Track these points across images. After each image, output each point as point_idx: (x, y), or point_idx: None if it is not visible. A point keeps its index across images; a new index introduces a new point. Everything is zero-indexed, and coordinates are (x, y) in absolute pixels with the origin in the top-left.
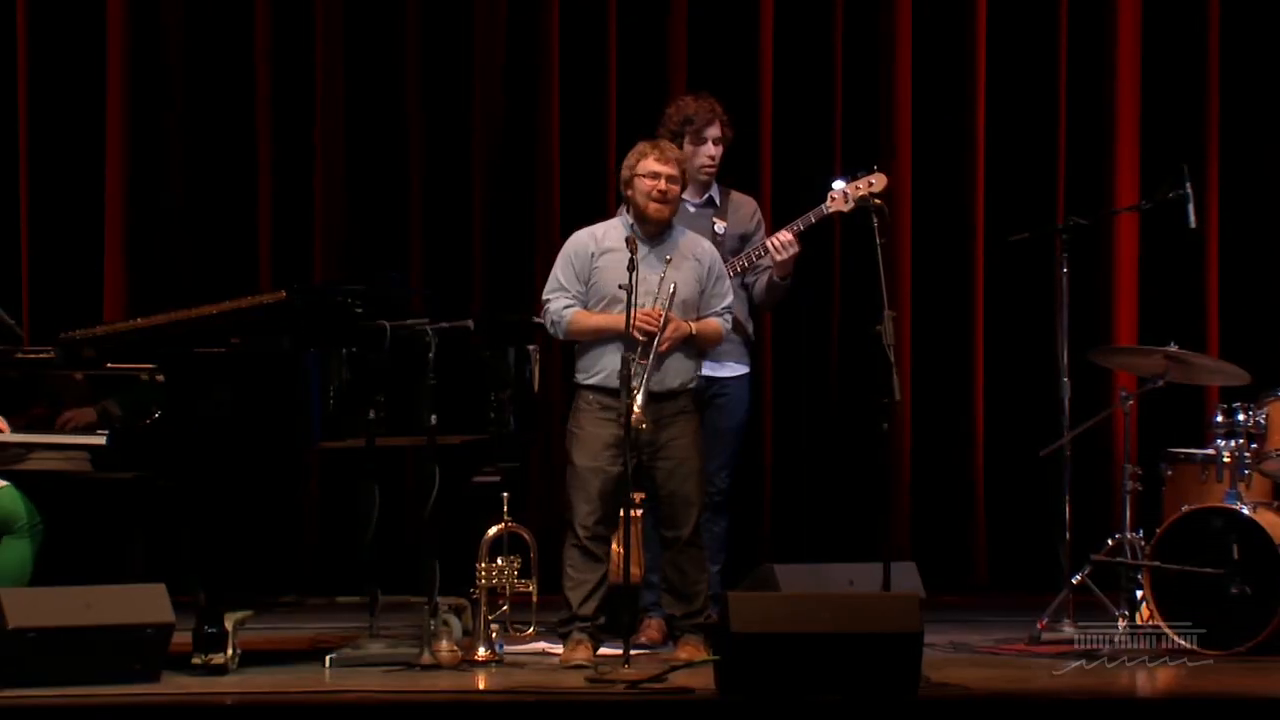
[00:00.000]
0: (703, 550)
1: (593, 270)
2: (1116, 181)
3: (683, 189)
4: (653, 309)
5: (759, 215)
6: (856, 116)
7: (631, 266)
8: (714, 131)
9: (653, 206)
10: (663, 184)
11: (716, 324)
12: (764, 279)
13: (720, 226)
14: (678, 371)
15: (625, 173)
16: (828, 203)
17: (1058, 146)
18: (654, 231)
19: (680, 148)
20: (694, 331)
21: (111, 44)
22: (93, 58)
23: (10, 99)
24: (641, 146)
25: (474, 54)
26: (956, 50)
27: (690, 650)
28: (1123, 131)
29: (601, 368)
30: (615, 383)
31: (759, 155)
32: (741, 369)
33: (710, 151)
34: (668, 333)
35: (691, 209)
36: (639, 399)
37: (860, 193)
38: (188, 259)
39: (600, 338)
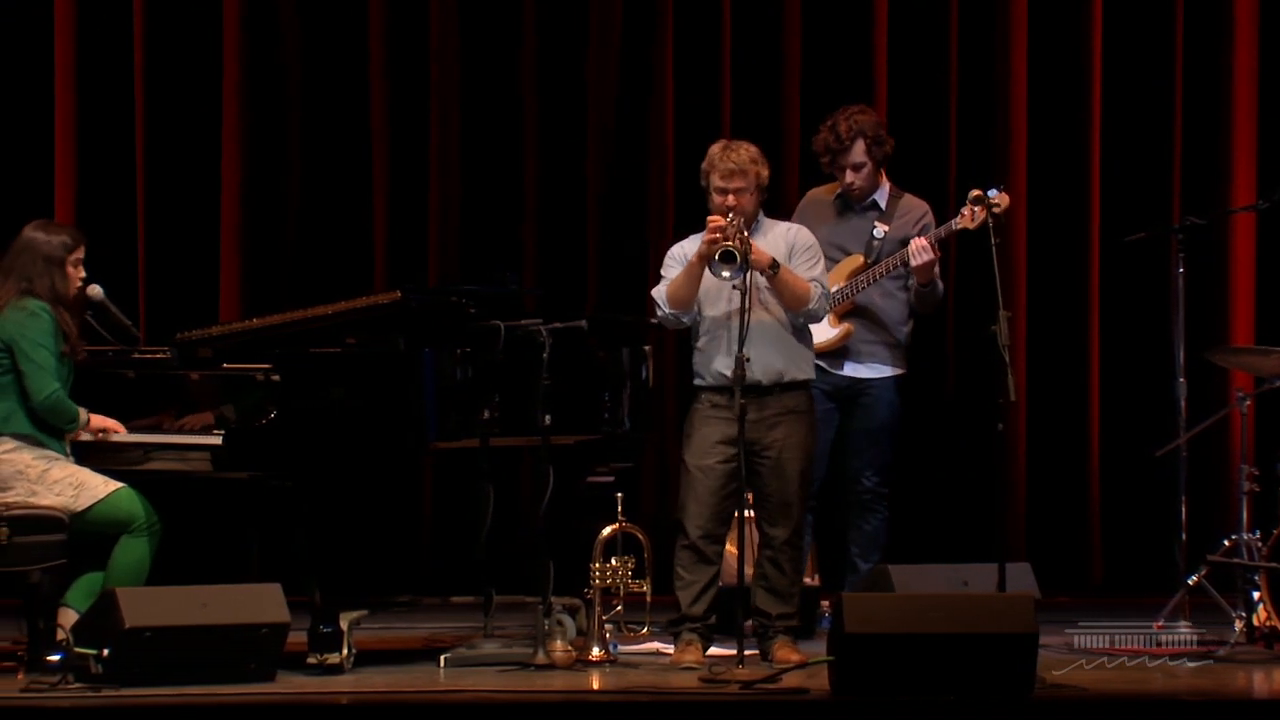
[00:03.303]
0: (801, 552)
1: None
2: (1233, 181)
3: (761, 189)
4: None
5: (926, 220)
6: (972, 116)
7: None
8: (852, 158)
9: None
10: (730, 199)
11: (806, 283)
12: (914, 285)
13: (880, 230)
14: (781, 356)
15: (702, 179)
16: (957, 219)
17: (1174, 146)
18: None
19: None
20: (778, 262)
21: (228, 45)
22: (209, 58)
23: (127, 100)
24: (711, 154)
25: (589, 52)
26: (1072, 49)
27: (785, 651)
28: (1239, 130)
29: (709, 369)
30: (723, 382)
31: None
32: (886, 370)
33: (849, 178)
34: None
35: (855, 211)
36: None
37: (984, 213)
38: (303, 259)
39: (692, 280)
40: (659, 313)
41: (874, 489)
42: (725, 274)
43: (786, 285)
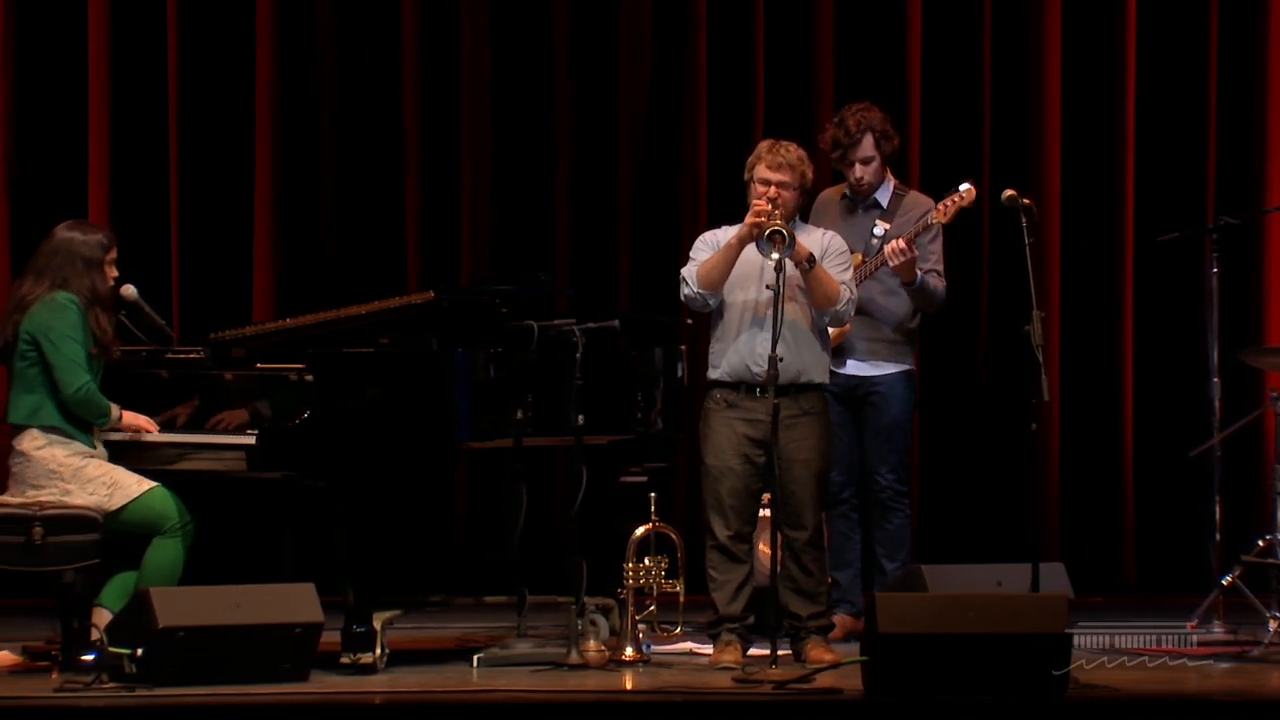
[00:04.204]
0: (823, 551)
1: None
2: (1268, 180)
3: (804, 190)
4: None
5: (929, 217)
6: (1005, 116)
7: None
8: (861, 152)
9: None
10: (772, 191)
11: (838, 284)
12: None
13: (881, 229)
14: (799, 356)
15: (746, 173)
16: (931, 214)
17: (1208, 145)
18: None
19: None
20: (814, 257)
21: (261, 46)
22: (242, 58)
23: (161, 99)
24: (759, 149)
25: (620, 53)
26: (1106, 48)
27: (818, 651)
28: (1274, 129)
29: (725, 360)
30: (740, 376)
31: (907, 158)
32: (890, 367)
33: (858, 173)
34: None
35: (860, 210)
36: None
37: (954, 206)
38: (336, 259)
39: (727, 262)
40: (685, 292)
41: (891, 487)
42: (774, 255)
43: (820, 281)
